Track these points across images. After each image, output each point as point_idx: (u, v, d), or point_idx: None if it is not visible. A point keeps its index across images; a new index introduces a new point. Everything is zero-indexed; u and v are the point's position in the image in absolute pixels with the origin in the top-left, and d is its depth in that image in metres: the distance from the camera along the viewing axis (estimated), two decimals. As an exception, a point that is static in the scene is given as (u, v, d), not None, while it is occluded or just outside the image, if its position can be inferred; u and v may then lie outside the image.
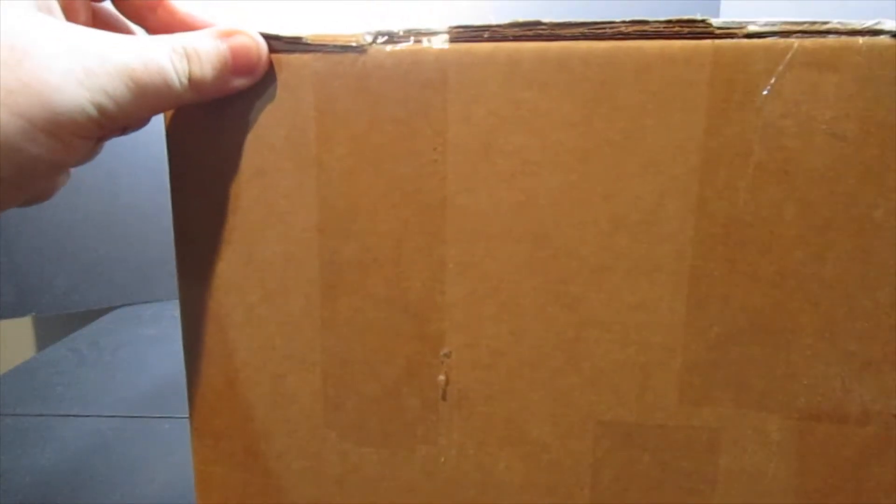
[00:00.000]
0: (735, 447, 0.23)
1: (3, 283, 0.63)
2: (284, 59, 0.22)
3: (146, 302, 0.70)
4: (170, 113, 0.23)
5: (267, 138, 0.22)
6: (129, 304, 0.71)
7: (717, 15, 0.68)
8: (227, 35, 0.21)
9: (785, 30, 0.20)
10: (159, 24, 0.23)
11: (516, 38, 0.21)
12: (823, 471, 0.22)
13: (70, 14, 0.22)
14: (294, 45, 0.22)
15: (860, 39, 0.20)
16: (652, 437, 0.23)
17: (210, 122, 0.22)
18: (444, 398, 0.23)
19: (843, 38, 0.20)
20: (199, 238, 0.23)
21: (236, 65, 0.21)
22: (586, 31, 0.21)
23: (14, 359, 0.60)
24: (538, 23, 0.21)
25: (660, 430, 0.23)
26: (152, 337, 0.64)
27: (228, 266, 0.23)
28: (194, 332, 0.24)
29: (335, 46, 0.21)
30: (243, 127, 0.22)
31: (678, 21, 0.20)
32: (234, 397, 0.24)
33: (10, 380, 0.54)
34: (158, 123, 0.24)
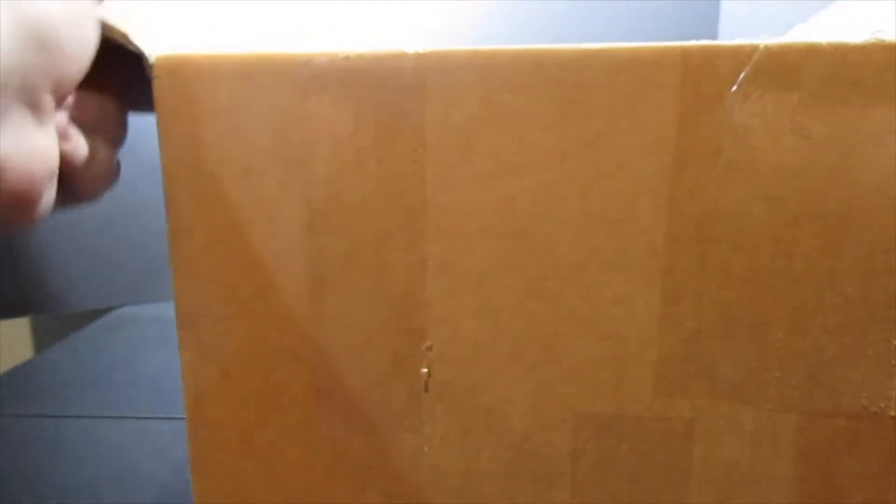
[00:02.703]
0: (709, 438, 0.23)
1: (2, 284, 0.64)
2: (270, 64, 0.23)
3: (146, 302, 0.70)
4: (163, 118, 0.24)
5: (255, 142, 0.23)
6: (129, 305, 0.71)
7: (717, 15, 0.68)
8: None
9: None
10: None
11: None
12: (794, 461, 0.23)
13: None
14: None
15: (824, 42, 0.21)
16: (628, 428, 0.24)
17: (201, 126, 0.23)
18: (426, 390, 0.24)
19: (809, 41, 0.21)
20: (193, 237, 0.24)
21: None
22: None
23: (13, 359, 0.60)
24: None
25: (636, 421, 0.24)
26: (152, 337, 0.65)
27: (221, 263, 0.24)
28: (189, 326, 0.25)
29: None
30: (232, 131, 0.23)
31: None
32: (227, 388, 0.25)
33: (8, 380, 0.55)
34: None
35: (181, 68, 0.23)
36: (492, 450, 0.24)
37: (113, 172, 0.26)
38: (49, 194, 0.22)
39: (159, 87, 0.23)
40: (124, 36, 0.23)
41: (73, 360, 0.59)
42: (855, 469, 0.23)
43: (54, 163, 0.22)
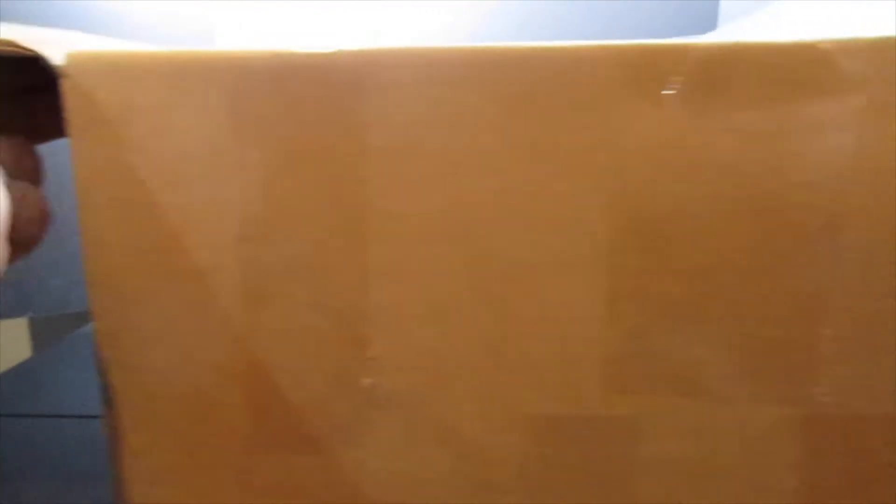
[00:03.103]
0: (654, 433, 0.24)
1: (1, 284, 0.61)
2: (198, 63, 0.21)
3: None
4: (74, 120, 0.22)
5: (181, 145, 0.22)
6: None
7: (715, 14, 0.70)
8: None
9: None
10: None
11: None
12: (735, 450, 0.24)
13: None
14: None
15: (756, 42, 0.21)
16: (576, 428, 0.24)
17: (119, 130, 0.22)
18: (372, 401, 0.23)
19: (742, 41, 0.21)
20: (112, 249, 0.22)
21: None
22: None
23: (12, 359, 0.58)
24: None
25: (584, 421, 0.24)
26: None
27: (145, 278, 0.23)
28: (110, 347, 0.23)
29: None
30: (156, 136, 0.22)
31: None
32: (154, 414, 0.23)
33: (7, 380, 0.52)
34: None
35: (95, 67, 0.21)
36: (440, 459, 0.24)
37: (47, 212, 0.24)
38: (4, 247, 0.20)
39: (70, 88, 0.21)
40: (9, 42, 0.21)
41: (73, 360, 0.57)
42: (790, 455, 0.24)
43: (5, 206, 0.20)
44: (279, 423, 0.24)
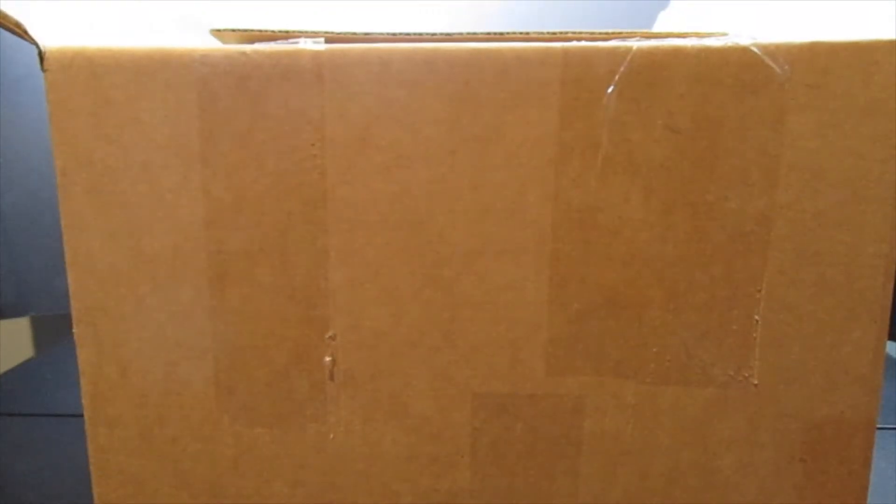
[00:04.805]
0: (597, 412, 0.25)
1: (3, 283, 0.62)
2: (168, 59, 0.23)
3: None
4: (54, 112, 0.23)
5: (152, 136, 0.23)
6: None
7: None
8: None
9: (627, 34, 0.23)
10: None
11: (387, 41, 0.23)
12: (672, 429, 0.25)
13: None
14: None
15: (690, 44, 0.23)
16: (523, 406, 0.25)
17: (95, 120, 0.23)
18: (331, 378, 0.25)
19: (676, 43, 0.23)
20: (88, 232, 0.24)
21: None
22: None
23: (13, 359, 0.59)
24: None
25: (530, 400, 0.25)
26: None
27: (118, 259, 0.24)
28: (86, 323, 0.25)
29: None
30: (129, 126, 0.23)
31: (534, 32, 0.23)
32: (127, 385, 0.25)
33: (9, 380, 0.54)
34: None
35: (73, 61, 0.23)
36: (394, 434, 0.25)
37: None
38: None
39: (51, 81, 0.23)
40: (19, 25, 0.23)
41: (74, 360, 0.58)
42: (725, 434, 0.25)
43: None
44: (244, 397, 0.25)
